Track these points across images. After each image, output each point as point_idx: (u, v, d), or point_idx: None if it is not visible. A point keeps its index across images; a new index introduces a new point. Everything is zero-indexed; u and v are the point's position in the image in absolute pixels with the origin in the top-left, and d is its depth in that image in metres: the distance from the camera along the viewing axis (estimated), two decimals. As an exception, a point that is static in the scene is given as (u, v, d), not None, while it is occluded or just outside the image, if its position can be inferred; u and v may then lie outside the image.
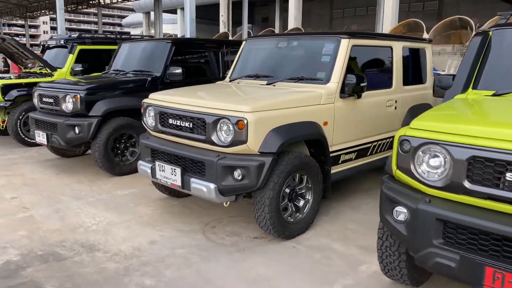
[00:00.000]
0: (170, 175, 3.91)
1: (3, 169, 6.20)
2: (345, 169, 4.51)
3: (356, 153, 4.62)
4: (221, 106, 3.65)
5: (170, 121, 4.00)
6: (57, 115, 5.83)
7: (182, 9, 37.35)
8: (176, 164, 3.92)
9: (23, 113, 7.66)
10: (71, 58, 8.33)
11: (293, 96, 3.94)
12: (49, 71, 8.15)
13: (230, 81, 5.02)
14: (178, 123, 3.93)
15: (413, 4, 29.06)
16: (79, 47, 8.41)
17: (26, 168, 6.32)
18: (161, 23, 32.66)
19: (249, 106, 3.52)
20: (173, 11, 37.77)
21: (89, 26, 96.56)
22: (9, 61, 25.90)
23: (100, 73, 7.88)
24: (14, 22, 74.88)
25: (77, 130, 5.58)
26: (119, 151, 5.88)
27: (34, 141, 7.71)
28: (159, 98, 4.25)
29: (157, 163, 4.05)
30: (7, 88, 7.58)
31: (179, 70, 6.13)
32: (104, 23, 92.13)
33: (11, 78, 8.27)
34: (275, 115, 3.64)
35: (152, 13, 38.28)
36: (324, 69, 4.31)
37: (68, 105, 5.65)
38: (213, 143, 3.65)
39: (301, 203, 3.99)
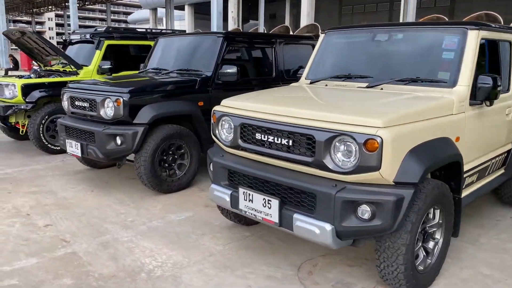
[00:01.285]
0: (262, 207, 2.99)
1: (28, 184, 5.31)
2: (466, 196, 3.57)
3: (477, 174, 3.69)
4: (338, 118, 2.71)
5: (258, 136, 3.07)
6: (93, 122, 4.92)
7: (190, 5, 36.56)
8: (270, 193, 2.99)
9: (46, 117, 6.77)
10: (98, 54, 7.41)
11: (422, 104, 3.01)
12: (73, 69, 7.24)
13: (311, 82, 4.09)
14: (269, 140, 3.00)
15: (425, 1, 28.13)
16: (106, 42, 7.50)
17: (54, 182, 5.41)
18: (172, 19, 31.80)
19: (382, 118, 2.58)
20: (181, 7, 36.85)
21: (94, 23, 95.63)
22: (18, 58, 25.13)
23: (133, 72, 7.00)
24: (19, 18, 74.14)
25: (119, 141, 4.66)
26: (167, 164, 4.97)
27: (57, 148, 6.88)
28: (238, 106, 3.32)
29: (241, 190, 3.12)
30: (28, 89, 6.68)
31: (233, 69, 5.21)
32: (112, 20, 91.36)
33: (30, 77, 7.36)
34: (413, 131, 2.72)
35: (159, 10, 37.39)
36: (447, 68, 3.38)
37: (108, 111, 4.73)
38: (325, 168, 2.72)
39: (431, 244, 3.07)
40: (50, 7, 45.12)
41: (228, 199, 3.25)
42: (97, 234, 3.87)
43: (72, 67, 7.21)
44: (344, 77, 3.90)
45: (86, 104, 4.96)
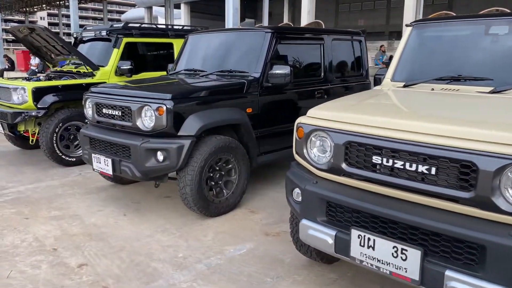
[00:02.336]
0: (392, 258, 2.22)
1: (47, 207, 4.51)
2: None
3: None
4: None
5: (377, 159, 2.30)
6: (127, 133, 4.14)
7: (186, 3, 35.58)
8: (401, 238, 2.24)
9: (60, 125, 5.96)
10: (116, 53, 6.62)
11: None
12: (89, 70, 6.43)
13: (404, 86, 3.33)
14: (396, 165, 2.24)
15: (423, -3, 27.62)
16: (125, 40, 6.70)
17: (77, 204, 4.62)
18: (172, 18, 30.98)
19: None
20: (177, 6, 36.01)
21: (87, 22, 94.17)
22: (14, 58, 24.17)
23: (159, 73, 6.23)
24: (10, 17, 72.79)
25: (161, 157, 3.88)
26: (213, 183, 4.20)
27: (72, 159, 6.09)
28: (341, 118, 2.54)
29: (355, 232, 2.36)
30: (40, 93, 5.87)
31: (285, 70, 4.45)
32: (102, 19, 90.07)
33: (40, 79, 6.54)
34: None
35: (154, 8, 36.36)
36: None
37: (146, 121, 3.95)
38: (493, 209, 1.97)
39: None
40: (43, 5, 44.01)
41: (331, 241, 2.48)
42: (147, 278, 3.09)
43: (88, 67, 6.40)
44: (449, 79, 3.15)
45: (117, 112, 4.17)
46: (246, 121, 4.42)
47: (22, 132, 6.21)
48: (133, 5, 51.67)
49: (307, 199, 2.66)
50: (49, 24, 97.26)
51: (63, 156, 6.04)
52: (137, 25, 7.04)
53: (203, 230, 3.93)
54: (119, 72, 6.53)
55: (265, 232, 3.88)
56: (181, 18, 38.34)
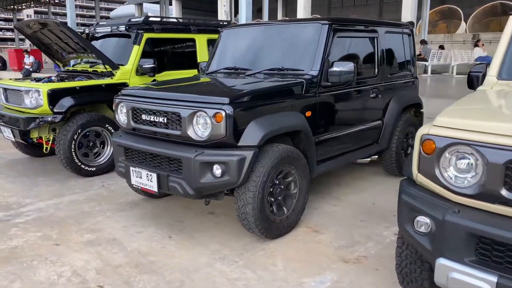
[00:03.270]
0: None
1: (77, 228, 3.91)
2: None
3: None
4: None
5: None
6: (174, 143, 3.54)
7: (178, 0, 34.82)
8: None
9: (79, 131, 5.33)
10: (137, 50, 5.99)
11: None
12: (108, 69, 5.80)
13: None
14: None
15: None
16: (146, 36, 6.08)
17: (110, 224, 4.02)
18: (167, 14, 30.30)
19: None
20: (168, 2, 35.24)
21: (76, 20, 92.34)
22: (6, 57, 23.25)
23: (189, 72, 5.64)
24: (-4, 16, 71.36)
25: (218, 171, 3.29)
26: (272, 199, 3.62)
27: (92, 169, 5.47)
28: (499, 130, 1.98)
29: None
30: (56, 95, 5.23)
31: (348, 67, 3.91)
32: (91, 16, 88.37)
33: (51, 80, 5.89)
34: None
35: (144, 5, 35.43)
36: None
37: (200, 129, 3.36)
38: None
39: None
40: (31, 3, 42.90)
41: (489, 289, 1.92)
42: (226, 326, 2.51)
43: (107, 66, 5.77)
44: None
45: (161, 119, 3.57)
46: (307, 127, 3.85)
47: (35, 140, 5.57)
48: (122, 2, 50.67)
49: (446, 233, 2.09)
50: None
51: (82, 166, 5.41)
52: (158, 19, 6.41)
53: (269, 256, 3.36)
54: (140, 71, 5.92)
55: (342, 258, 3.32)
56: (173, 14, 37.65)
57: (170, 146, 3.51)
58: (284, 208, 3.73)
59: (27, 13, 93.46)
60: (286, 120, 3.63)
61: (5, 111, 5.77)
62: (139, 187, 3.75)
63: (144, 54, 6.04)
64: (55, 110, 5.22)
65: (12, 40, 73.07)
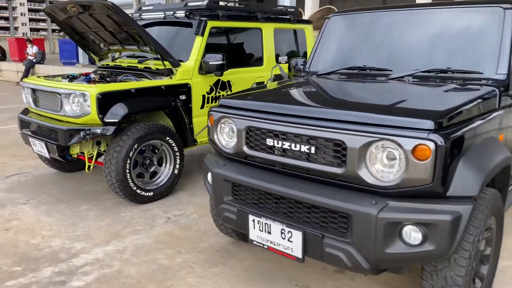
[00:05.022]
0: None
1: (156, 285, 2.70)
2: None
3: None
4: None
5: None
6: (328, 184, 2.32)
7: (172, -12, 33.33)
8: None
9: (135, 146, 4.10)
10: (201, 42, 4.75)
11: None
12: (168, 65, 4.55)
13: None
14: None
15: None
16: (210, 24, 4.84)
17: (203, 286, 2.82)
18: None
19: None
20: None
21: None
22: (5, 46, 21.67)
23: (251, 70, 4.47)
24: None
25: (416, 236, 2.09)
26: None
27: (149, 194, 4.27)
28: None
29: None
30: (107, 100, 4.00)
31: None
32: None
33: (90, 79, 4.64)
34: None
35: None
36: None
37: (382, 169, 2.14)
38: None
39: None
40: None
41: None
42: None
43: (166, 63, 4.52)
44: None
45: (304, 148, 2.34)
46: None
47: (75, 156, 4.33)
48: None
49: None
50: (30, 10, 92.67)
51: (138, 191, 4.19)
52: (222, 3, 5.16)
53: None
54: (204, 69, 4.69)
55: None
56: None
57: (323, 191, 2.30)
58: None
59: (21, 11, 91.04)
60: (498, 154, 2.42)
61: (34, 117, 4.53)
62: (266, 246, 2.53)
63: (207, 48, 4.81)
64: (106, 120, 3.99)
65: (7, 29, 70.87)
